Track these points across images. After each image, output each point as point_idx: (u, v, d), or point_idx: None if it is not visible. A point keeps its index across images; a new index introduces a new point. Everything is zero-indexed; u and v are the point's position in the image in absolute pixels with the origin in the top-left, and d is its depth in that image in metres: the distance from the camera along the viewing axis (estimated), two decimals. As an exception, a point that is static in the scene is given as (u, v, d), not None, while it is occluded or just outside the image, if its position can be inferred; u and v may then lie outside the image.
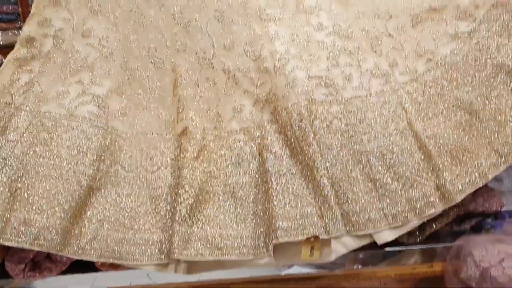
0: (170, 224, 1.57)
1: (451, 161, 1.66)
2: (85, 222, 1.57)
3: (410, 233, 1.71)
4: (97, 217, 1.58)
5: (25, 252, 1.58)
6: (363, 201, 1.61)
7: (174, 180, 1.63)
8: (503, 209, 1.83)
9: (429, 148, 1.65)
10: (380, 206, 1.61)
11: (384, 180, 1.62)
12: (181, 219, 1.55)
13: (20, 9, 2.67)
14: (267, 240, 1.54)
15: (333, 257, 1.60)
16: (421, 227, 1.72)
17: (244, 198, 1.63)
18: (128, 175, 1.65)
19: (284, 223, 1.53)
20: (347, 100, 1.71)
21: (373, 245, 1.65)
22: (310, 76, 1.72)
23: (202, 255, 1.55)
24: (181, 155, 1.65)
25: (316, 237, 1.53)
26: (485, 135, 1.70)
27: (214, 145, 1.70)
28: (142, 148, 1.69)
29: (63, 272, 1.68)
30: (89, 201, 1.59)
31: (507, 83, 1.74)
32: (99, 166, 1.61)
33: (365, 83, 1.75)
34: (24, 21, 2.64)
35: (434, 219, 1.70)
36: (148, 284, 1.76)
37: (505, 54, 1.74)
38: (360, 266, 1.80)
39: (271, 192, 1.57)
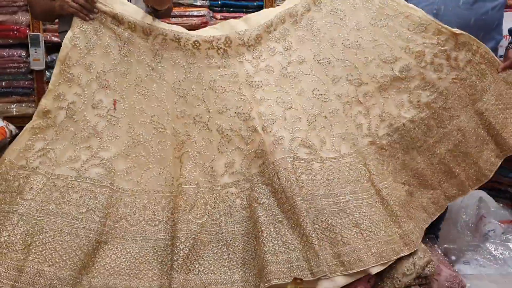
0: (169, 272, 1.74)
1: (407, 215, 1.90)
2: (94, 272, 1.73)
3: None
4: (105, 268, 1.75)
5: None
6: (352, 243, 1.77)
7: (172, 233, 1.81)
8: (465, 292, 1.96)
9: (390, 204, 1.88)
10: (367, 246, 1.78)
11: (366, 224, 1.81)
12: (179, 267, 1.72)
13: (35, 84, 2.94)
14: (258, 283, 1.70)
15: None
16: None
17: (235, 245, 1.81)
18: (133, 229, 1.84)
19: (275, 267, 1.69)
20: (324, 160, 1.93)
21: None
22: (293, 137, 1.93)
23: None
24: (175, 210, 1.84)
25: (301, 279, 1.68)
26: (420, 196, 2.01)
27: (208, 198, 1.89)
28: (145, 204, 1.89)
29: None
30: (98, 253, 1.76)
31: (449, 151, 2.01)
32: (106, 222, 1.80)
33: (336, 145, 1.98)
34: (38, 95, 2.90)
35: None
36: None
37: (454, 125, 2.01)
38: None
39: (262, 240, 1.74)
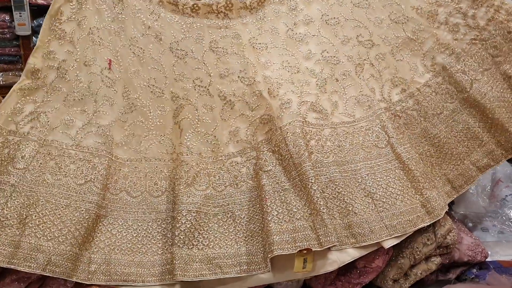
0: (171, 249, 1.63)
1: (430, 183, 1.76)
2: (94, 248, 1.64)
3: (395, 280, 1.75)
4: (105, 243, 1.65)
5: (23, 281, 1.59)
6: (363, 214, 1.67)
7: (174, 205, 1.70)
8: (487, 260, 1.85)
9: (412, 168, 1.74)
10: (379, 217, 1.67)
11: (380, 194, 1.70)
12: (181, 243, 1.62)
13: (22, 52, 2.76)
14: (264, 256, 1.59)
15: (334, 267, 1.64)
16: (406, 274, 1.74)
17: (242, 217, 1.70)
18: (134, 201, 1.74)
19: (278, 237, 1.58)
20: (336, 125, 1.82)
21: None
22: (302, 101, 1.82)
23: (203, 275, 1.60)
24: (176, 182, 1.72)
25: (308, 250, 1.57)
26: (442, 166, 1.83)
27: (212, 168, 1.79)
28: (146, 173, 1.79)
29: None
30: (97, 228, 1.67)
31: (474, 117, 1.83)
32: (105, 194, 1.70)
33: (350, 109, 1.87)
34: (25, 62, 2.72)
35: (419, 267, 1.74)
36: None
37: (476, 89, 1.83)
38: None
39: (266, 209, 1.64)
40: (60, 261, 1.55)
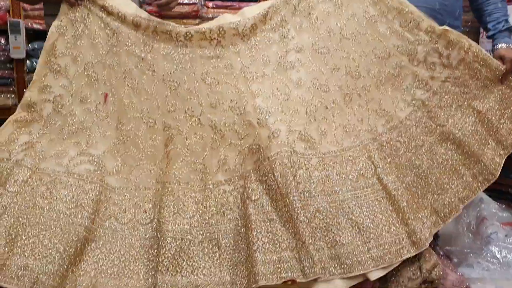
0: (155, 275, 1.63)
1: (415, 214, 1.79)
2: (81, 271, 1.62)
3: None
4: (92, 266, 1.64)
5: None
6: (350, 244, 1.67)
7: (160, 233, 1.70)
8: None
9: (398, 199, 1.78)
10: (366, 248, 1.68)
11: (366, 224, 1.71)
12: (164, 269, 1.62)
13: (15, 74, 2.78)
14: (248, 285, 1.58)
15: None
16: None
17: (227, 245, 1.70)
18: (122, 227, 1.73)
19: (263, 267, 1.58)
20: (323, 154, 1.83)
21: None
22: (290, 130, 1.83)
23: None
24: (162, 211, 1.73)
25: (293, 281, 1.57)
26: (428, 197, 1.86)
27: (200, 196, 1.79)
28: (136, 202, 1.78)
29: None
30: (85, 251, 1.66)
31: (451, 150, 1.91)
32: (95, 219, 1.70)
33: (338, 138, 1.89)
34: (18, 85, 2.75)
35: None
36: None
37: (452, 124, 1.92)
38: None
39: (252, 238, 1.63)
40: (48, 281, 1.54)
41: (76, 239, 1.62)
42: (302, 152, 1.81)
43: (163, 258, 1.63)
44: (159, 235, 1.69)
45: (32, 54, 2.72)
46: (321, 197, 1.73)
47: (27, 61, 2.78)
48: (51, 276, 1.54)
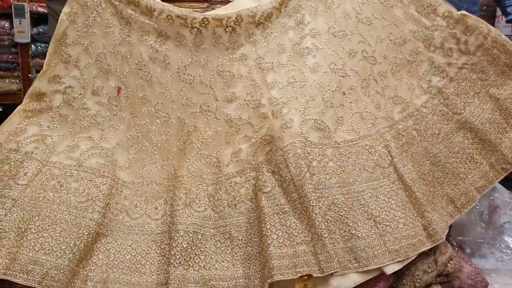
0: (167, 269, 1.60)
1: (431, 205, 1.75)
2: (91, 266, 1.61)
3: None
4: (103, 261, 1.62)
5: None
6: (366, 238, 1.64)
7: (171, 226, 1.67)
8: (487, 288, 1.84)
9: (414, 190, 1.73)
10: (382, 242, 1.64)
11: (383, 217, 1.68)
12: (177, 262, 1.59)
13: (20, 59, 2.72)
14: (262, 279, 1.55)
15: None
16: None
17: (240, 239, 1.66)
18: (134, 223, 1.72)
19: (278, 262, 1.54)
20: (339, 144, 1.79)
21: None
22: (305, 119, 1.79)
23: None
24: (175, 203, 1.70)
25: (309, 275, 1.54)
26: (444, 186, 1.82)
27: (212, 189, 1.75)
28: (147, 197, 1.77)
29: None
30: (96, 246, 1.64)
31: (468, 138, 1.86)
32: (106, 214, 1.68)
33: (355, 125, 1.84)
34: (22, 70, 2.69)
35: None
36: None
37: (469, 111, 1.86)
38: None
39: (265, 232, 1.59)
40: (57, 276, 1.52)
41: (86, 233, 1.60)
42: (316, 142, 1.76)
43: (175, 251, 1.60)
44: (172, 227, 1.66)
45: (37, 39, 2.65)
46: (336, 189, 1.70)
47: (32, 45, 2.70)
48: (61, 271, 1.52)
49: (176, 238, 1.62)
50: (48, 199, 1.63)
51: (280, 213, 1.63)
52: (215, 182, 1.77)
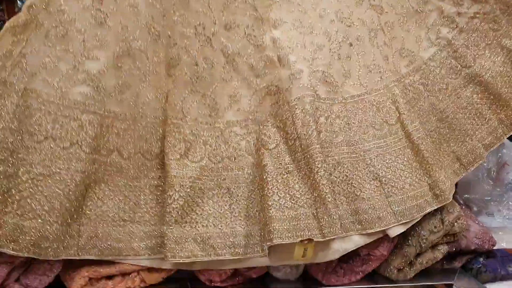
0: (161, 225, 1.49)
1: (438, 164, 1.68)
2: (83, 219, 1.46)
3: (399, 270, 1.68)
4: (95, 213, 1.47)
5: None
6: (371, 199, 1.57)
7: (163, 178, 1.53)
8: (494, 248, 1.79)
9: (421, 149, 1.66)
10: (387, 203, 1.58)
11: (388, 177, 1.61)
12: (172, 221, 1.47)
13: (6, 17, 2.59)
14: (262, 240, 1.49)
15: (336, 256, 1.56)
16: (411, 263, 1.67)
17: (239, 195, 1.56)
18: (126, 163, 1.52)
19: (278, 225, 1.47)
20: (346, 99, 1.68)
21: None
22: (313, 70, 1.64)
23: (195, 256, 1.48)
24: (169, 151, 1.52)
25: (309, 239, 1.47)
26: (450, 144, 1.76)
27: (208, 135, 1.59)
28: (141, 133, 1.54)
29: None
30: (86, 196, 1.47)
31: (477, 93, 1.77)
32: (95, 157, 1.47)
33: (362, 79, 1.72)
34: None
35: (425, 255, 1.67)
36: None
37: (479, 64, 1.77)
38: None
39: (267, 192, 1.51)
40: (46, 243, 1.38)
41: (73, 188, 1.40)
42: (324, 96, 1.64)
43: (171, 208, 1.47)
44: (165, 179, 1.50)
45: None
46: (342, 147, 1.61)
47: (18, 1, 2.57)
48: (50, 236, 1.38)
49: (171, 194, 1.48)
50: (26, 145, 1.37)
51: (284, 173, 1.53)
52: (211, 127, 1.59)
